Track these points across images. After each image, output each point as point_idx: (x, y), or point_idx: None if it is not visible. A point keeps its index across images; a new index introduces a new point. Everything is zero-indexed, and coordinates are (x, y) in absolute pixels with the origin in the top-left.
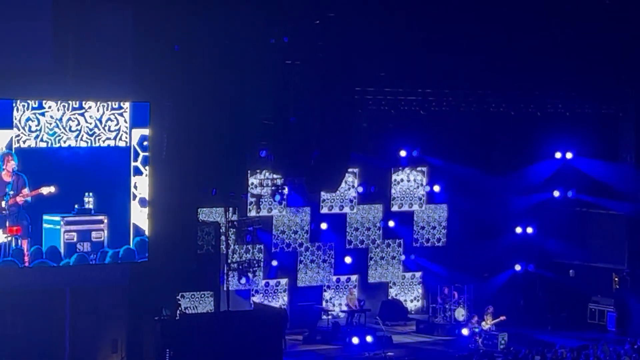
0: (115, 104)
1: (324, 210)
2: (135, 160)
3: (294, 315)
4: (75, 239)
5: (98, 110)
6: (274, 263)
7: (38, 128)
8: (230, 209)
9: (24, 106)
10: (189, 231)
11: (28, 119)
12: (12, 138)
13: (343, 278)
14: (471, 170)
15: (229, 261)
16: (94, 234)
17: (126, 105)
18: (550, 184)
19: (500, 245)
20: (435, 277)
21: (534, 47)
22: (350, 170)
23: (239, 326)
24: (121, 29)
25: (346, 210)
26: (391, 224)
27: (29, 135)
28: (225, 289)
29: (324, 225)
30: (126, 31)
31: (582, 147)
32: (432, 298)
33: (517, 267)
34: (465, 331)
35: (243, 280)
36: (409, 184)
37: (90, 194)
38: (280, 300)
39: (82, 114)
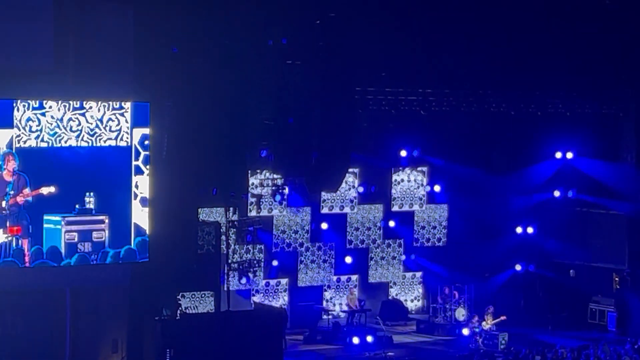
0: (116, 104)
1: (325, 210)
2: (137, 159)
3: (294, 315)
4: (76, 239)
5: (99, 111)
6: (275, 263)
7: (39, 128)
8: (231, 208)
9: (24, 106)
10: (190, 231)
11: (29, 119)
12: (12, 138)
13: (343, 278)
14: (472, 170)
15: (230, 261)
16: (95, 234)
17: (127, 105)
18: (550, 184)
19: (501, 245)
20: (436, 277)
21: (534, 47)
22: (350, 170)
23: (239, 326)
24: (121, 29)
25: (346, 210)
26: (391, 224)
27: (29, 135)
28: (225, 289)
29: (324, 225)
30: (126, 31)
31: (582, 147)
32: (433, 298)
33: (518, 267)
34: (465, 331)
35: (243, 280)
36: (410, 184)
37: (91, 194)
38: (281, 300)
39: (82, 114)
